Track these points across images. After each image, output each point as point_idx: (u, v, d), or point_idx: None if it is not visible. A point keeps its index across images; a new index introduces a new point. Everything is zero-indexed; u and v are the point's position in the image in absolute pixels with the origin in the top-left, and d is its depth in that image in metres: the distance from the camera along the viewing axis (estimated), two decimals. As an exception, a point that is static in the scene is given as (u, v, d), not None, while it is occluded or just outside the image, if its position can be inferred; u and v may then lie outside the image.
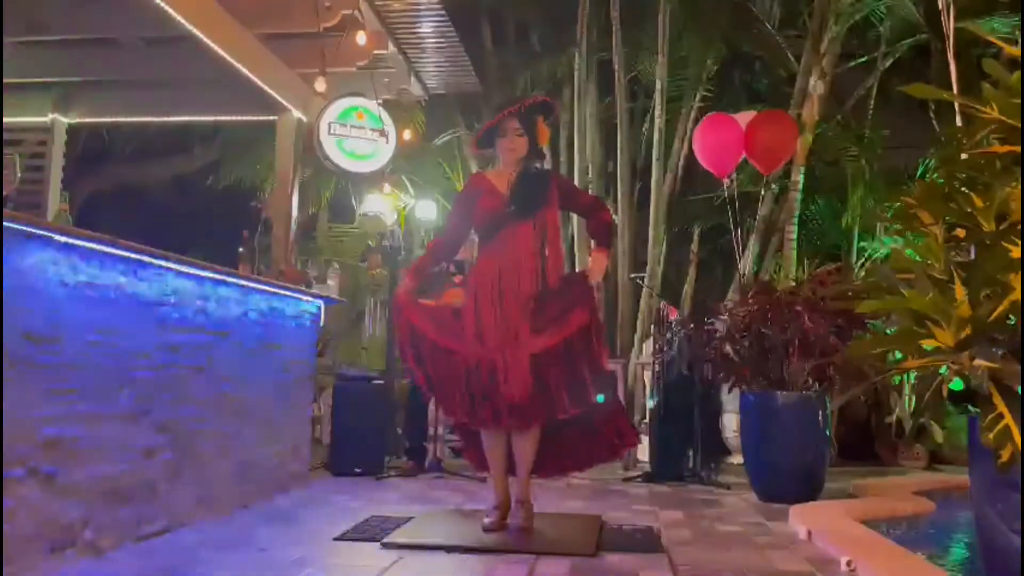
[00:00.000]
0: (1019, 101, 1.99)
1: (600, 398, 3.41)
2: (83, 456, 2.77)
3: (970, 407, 2.19)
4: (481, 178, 3.71)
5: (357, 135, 5.81)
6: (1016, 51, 2.19)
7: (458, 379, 3.38)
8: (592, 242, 3.87)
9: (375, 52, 5.57)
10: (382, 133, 5.87)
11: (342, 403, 5.35)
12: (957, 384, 2.18)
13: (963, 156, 2.11)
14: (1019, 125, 1.98)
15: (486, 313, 3.39)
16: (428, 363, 3.47)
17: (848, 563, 2.86)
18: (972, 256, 2.15)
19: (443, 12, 5.48)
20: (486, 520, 3.44)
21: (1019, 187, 2.00)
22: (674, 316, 5.93)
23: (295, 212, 5.74)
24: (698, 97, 8.05)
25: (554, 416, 3.34)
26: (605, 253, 3.59)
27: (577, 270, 7.39)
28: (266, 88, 5.22)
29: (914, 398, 7.00)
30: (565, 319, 3.34)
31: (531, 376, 3.27)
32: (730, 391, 5.47)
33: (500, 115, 3.54)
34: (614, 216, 8.10)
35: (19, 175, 3.67)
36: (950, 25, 4.62)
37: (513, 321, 3.34)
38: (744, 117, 6.66)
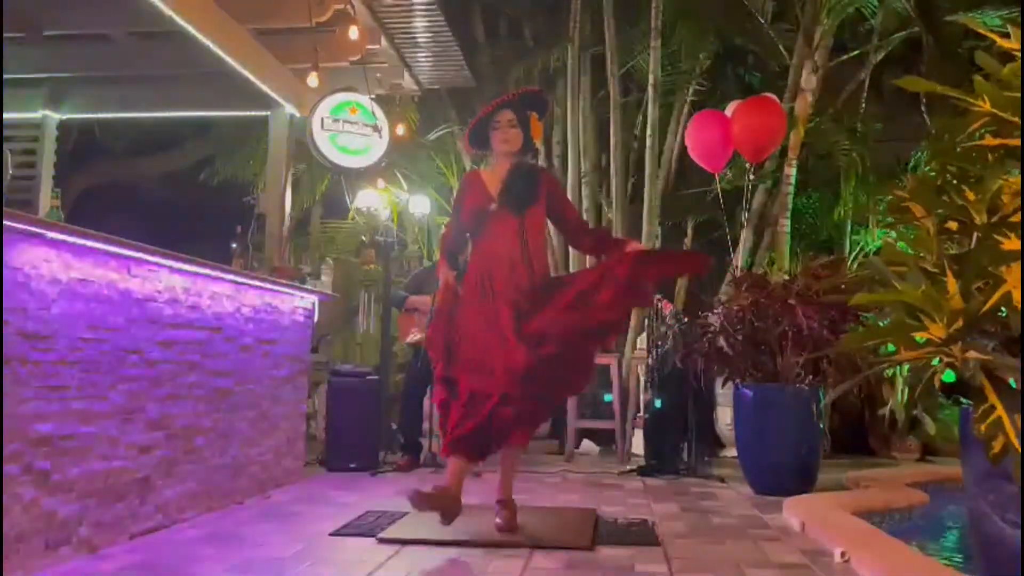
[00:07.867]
0: (1014, 94, 1.99)
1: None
2: (77, 453, 2.77)
3: (962, 399, 2.21)
4: (474, 175, 3.69)
5: (350, 130, 5.79)
6: (1010, 44, 2.19)
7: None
8: (603, 255, 3.69)
9: (367, 47, 5.56)
10: (375, 128, 5.85)
11: (337, 399, 5.35)
12: (949, 376, 2.19)
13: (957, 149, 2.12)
14: (1013, 118, 1.99)
15: (470, 307, 3.36)
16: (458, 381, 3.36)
17: (842, 554, 2.88)
18: (967, 248, 2.16)
19: (435, 6, 5.47)
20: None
21: (1012, 180, 2.01)
22: (668, 310, 5.93)
23: (288, 208, 5.73)
24: (691, 91, 8.05)
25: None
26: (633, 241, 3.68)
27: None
28: (258, 83, 5.21)
29: (907, 390, 7.02)
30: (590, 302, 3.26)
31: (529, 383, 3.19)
32: (724, 385, 5.49)
33: (494, 103, 3.53)
34: (608, 211, 8.10)
35: (10, 172, 3.66)
36: None
37: (500, 319, 3.27)
38: (732, 109, 6.58)
